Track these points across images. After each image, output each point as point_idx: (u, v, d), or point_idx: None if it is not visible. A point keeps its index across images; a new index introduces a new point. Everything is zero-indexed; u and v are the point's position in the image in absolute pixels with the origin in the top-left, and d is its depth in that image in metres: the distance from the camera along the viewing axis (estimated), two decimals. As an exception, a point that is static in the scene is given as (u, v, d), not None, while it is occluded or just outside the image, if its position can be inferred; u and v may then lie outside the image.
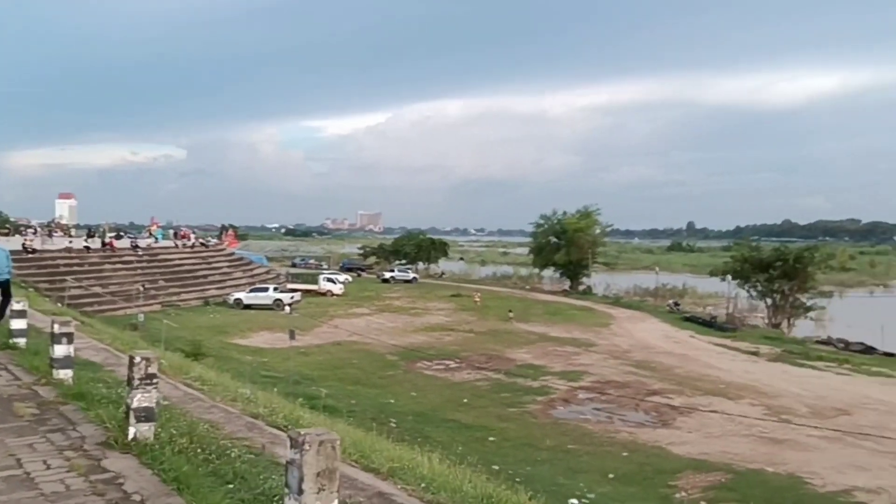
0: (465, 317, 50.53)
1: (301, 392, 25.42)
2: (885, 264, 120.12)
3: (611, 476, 18.66)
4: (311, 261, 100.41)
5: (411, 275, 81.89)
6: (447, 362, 34.15)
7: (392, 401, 26.32)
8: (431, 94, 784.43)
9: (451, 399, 26.99)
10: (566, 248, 74.02)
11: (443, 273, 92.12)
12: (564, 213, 78.07)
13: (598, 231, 78.02)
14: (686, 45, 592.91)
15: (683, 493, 17.42)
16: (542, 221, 79.35)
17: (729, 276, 56.07)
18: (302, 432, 3.51)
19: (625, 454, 20.63)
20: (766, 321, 55.57)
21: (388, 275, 79.86)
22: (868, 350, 42.30)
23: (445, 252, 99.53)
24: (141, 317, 34.55)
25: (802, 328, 54.56)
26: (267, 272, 67.73)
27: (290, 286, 59.19)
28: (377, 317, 49.92)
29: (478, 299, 57.19)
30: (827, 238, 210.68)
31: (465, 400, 26.87)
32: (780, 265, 53.70)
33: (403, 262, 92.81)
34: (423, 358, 34.36)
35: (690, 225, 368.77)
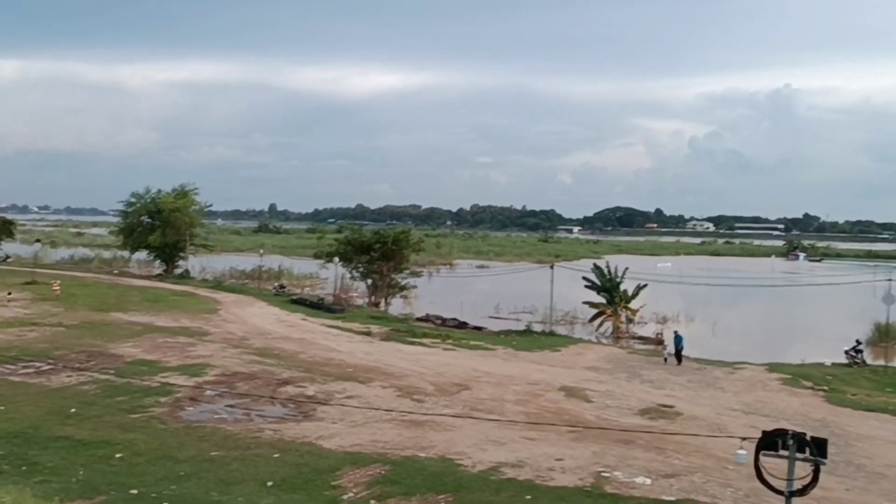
0: (49, 308, 43.55)
1: None
2: (448, 245, 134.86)
3: (269, 484, 16.98)
4: None
5: (-32, 260, 69.34)
6: (37, 364, 28.62)
7: (-27, 421, 21.07)
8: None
9: (53, 410, 22.46)
10: (162, 228, 68.83)
11: (8, 257, 79.35)
12: (159, 191, 72.55)
13: (195, 210, 74.06)
14: (263, 29, 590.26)
15: (351, 494, 16.54)
16: (133, 200, 72.55)
17: (337, 259, 57.24)
18: None
19: (276, 455, 19.02)
20: (367, 301, 58.18)
21: (-66, 261, 66.33)
22: (461, 325, 46.42)
23: (11, 232, 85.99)
24: None
25: (396, 306, 58.36)
26: None
27: None
28: (-71, 313, 40.50)
29: (57, 287, 49.83)
30: (394, 222, 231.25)
31: (73, 409, 22.59)
32: (380, 247, 56.54)
33: (-45, 244, 78.11)
34: (3, 361, 28.43)
35: (272, 207, 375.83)
